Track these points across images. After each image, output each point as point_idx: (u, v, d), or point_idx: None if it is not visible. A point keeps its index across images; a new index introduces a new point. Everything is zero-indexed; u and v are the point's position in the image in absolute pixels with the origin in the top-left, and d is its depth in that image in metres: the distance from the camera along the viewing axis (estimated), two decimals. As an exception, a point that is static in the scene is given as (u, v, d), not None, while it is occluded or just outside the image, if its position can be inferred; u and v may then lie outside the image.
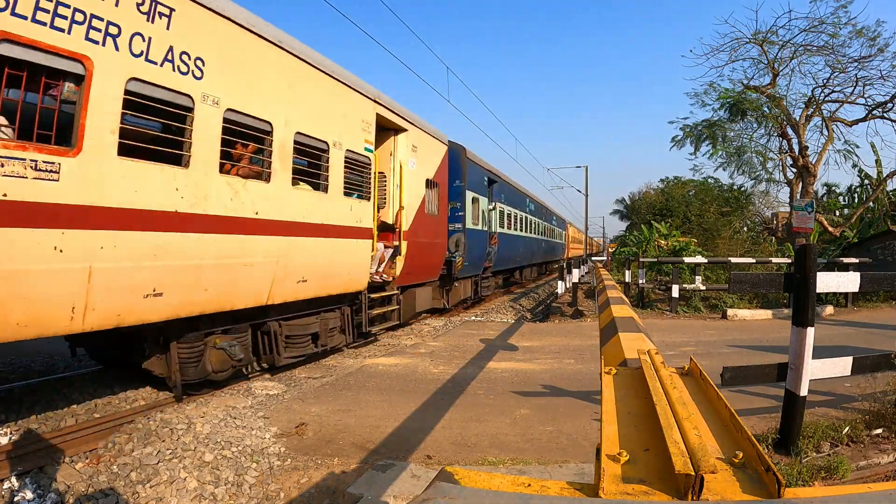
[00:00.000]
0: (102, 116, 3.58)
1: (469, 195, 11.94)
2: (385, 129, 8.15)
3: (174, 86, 4.12)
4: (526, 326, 10.10)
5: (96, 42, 3.51)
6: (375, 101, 7.36)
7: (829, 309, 10.49)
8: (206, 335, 4.92)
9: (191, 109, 4.29)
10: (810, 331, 3.34)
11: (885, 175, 15.71)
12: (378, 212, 7.94)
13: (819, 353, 3.50)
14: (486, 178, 13.60)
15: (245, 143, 5.08)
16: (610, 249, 29.98)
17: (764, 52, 14.27)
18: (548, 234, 26.00)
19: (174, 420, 4.20)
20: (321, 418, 4.48)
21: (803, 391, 3.38)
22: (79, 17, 3.38)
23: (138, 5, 3.78)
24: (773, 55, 14.21)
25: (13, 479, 3.20)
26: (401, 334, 9.05)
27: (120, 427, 3.99)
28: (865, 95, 13.80)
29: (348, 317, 7.17)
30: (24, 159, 3.12)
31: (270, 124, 5.22)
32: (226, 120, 4.66)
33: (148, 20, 3.86)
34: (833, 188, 22.99)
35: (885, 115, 13.79)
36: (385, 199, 8.29)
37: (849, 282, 3.78)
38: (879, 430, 3.72)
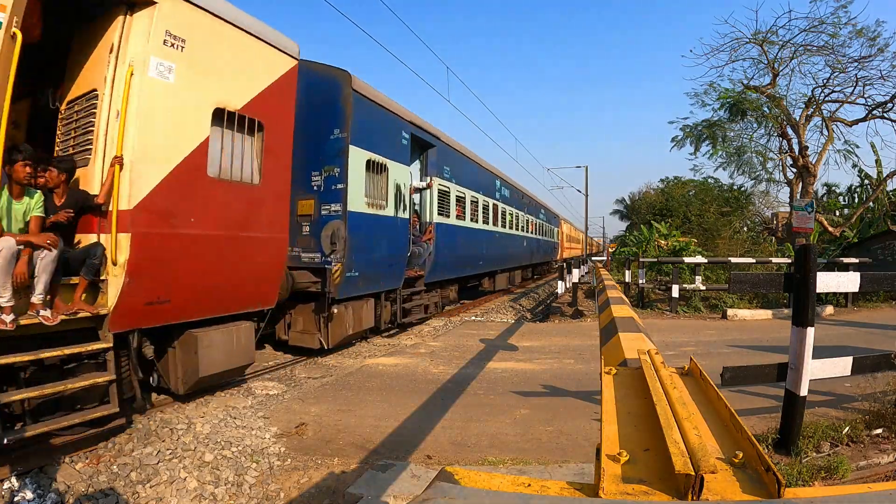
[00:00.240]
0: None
1: (359, 156, 7.10)
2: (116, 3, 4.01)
3: None
4: (526, 326, 10.10)
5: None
6: None
7: (829, 309, 10.49)
8: None
9: None
10: (810, 331, 3.34)
11: (885, 175, 15.72)
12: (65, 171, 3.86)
13: (819, 353, 3.49)
14: (407, 135, 8.61)
15: None
16: (610, 249, 29.93)
17: (764, 52, 14.26)
18: (533, 230, 21.32)
19: (174, 420, 4.21)
20: (321, 418, 4.48)
21: (803, 391, 3.38)
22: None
23: None
24: (773, 55, 14.21)
25: (13, 479, 3.20)
26: (401, 334, 9.06)
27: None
28: (865, 95, 13.80)
29: None
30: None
31: None
32: None
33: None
34: (833, 188, 23.07)
35: (885, 115, 13.78)
36: (90, 146, 4.07)
37: (849, 282, 3.78)
38: (879, 430, 3.72)
